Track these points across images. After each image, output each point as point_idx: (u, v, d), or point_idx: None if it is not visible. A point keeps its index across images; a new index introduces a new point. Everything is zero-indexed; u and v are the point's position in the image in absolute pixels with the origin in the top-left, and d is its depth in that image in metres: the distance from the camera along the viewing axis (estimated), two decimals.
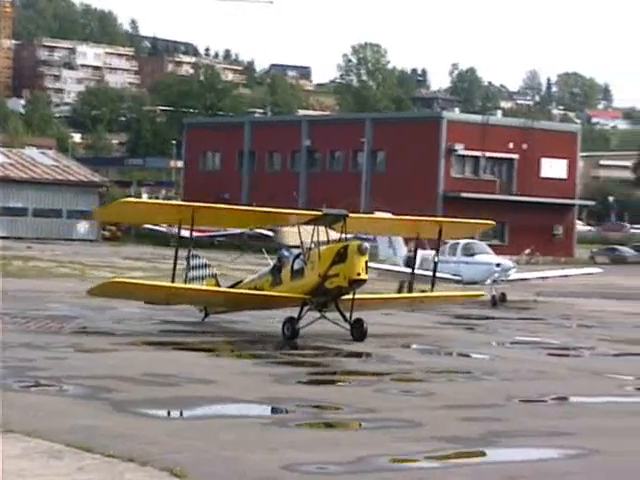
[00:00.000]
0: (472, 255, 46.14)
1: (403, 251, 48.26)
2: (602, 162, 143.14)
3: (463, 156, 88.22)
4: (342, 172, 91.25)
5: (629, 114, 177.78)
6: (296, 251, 28.96)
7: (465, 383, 23.75)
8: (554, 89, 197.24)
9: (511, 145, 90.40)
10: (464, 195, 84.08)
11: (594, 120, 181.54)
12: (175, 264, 28.32)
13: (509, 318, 40.39)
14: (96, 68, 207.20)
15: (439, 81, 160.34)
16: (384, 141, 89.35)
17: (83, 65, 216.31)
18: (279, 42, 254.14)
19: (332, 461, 14.16)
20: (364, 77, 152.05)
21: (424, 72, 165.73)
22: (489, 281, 44.58)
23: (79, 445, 13.64)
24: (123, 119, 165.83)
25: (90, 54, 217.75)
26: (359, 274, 26.24)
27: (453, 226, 33.95)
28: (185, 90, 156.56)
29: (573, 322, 39.95)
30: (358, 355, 26.80)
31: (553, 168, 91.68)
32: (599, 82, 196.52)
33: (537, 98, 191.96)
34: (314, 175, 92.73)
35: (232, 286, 30.46)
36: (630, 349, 30.79)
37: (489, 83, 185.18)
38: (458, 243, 46.26)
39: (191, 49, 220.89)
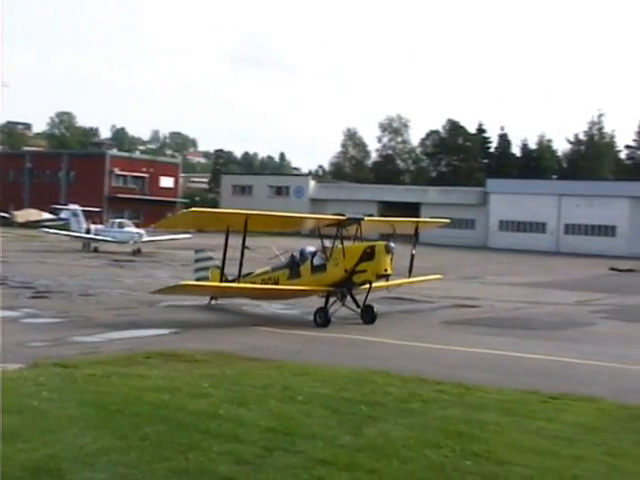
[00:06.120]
0: (123, 227, 49.87)
1: (84, 226, 51.51)
2: (192, 179, 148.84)
3: (118, 175, 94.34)
4: (50, 182, 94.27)
5: (206, 154, 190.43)
6: (312, 248, 21.49)
7: (121, 295, 24.51)
8: (168, 140, 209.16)
9: (144, 169, 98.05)
10: (119, 196, 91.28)
11: (188, 157, 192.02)
12: (224, 264, 20.28)
13: (142, 261, 41.57)
14: None
15: (105, 134, 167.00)
16: (75, 166, 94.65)
17: None
18: (13, 107, 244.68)
19: (43, 339, 15.49)
20: (63, 130, 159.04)
21: (97, 129, 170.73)
22: (132, 242, 48.01)
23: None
24: None
25: None
26: (386, 270, 20.14)
27: (424, 224, 27.56)
28: None
29: (176, 263, 40.12)
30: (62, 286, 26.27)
31: (166, 182, 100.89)
32: (190, 137, 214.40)
33: (158, 144, 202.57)
34: (34, 184, 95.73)
35: (243, 276, 21.07)
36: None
37: (133, 137, 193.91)
38: (115, 221, 51.28)
39: None
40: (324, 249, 20.79)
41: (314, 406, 9.77)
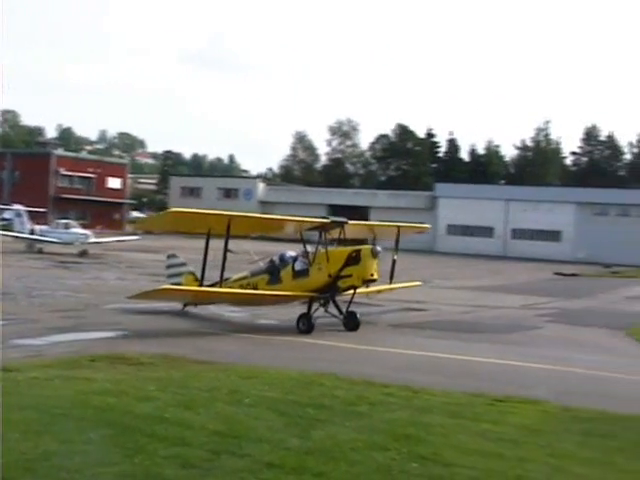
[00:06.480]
0: (69, 228, 49.21)
1: (28, 226, 50.65)
2: (140, 180, 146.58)
3: (64, 175, 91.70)
4: None
5: (155, 155, 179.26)
6: (292, 253, 20.59)
7: (66, 297, 23.85)
8: (116, 140, 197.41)
9: (91, 169, 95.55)
10: (65, 196, 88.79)
11: (136, 158, 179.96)
12: (204, 269, 19.43)
13: (89, 263, 40.87)
14: None
15: (51, 133, 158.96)
16: (19, 166, 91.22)
17: None
18: None
19: None
20: (7, 129, 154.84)
21: (42, 128, 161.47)
22: (78, 243, 47.51)
23: None
24: None
25: None
26: (372, 275, 19.46)
27: (405, 228, 25.19)
28: None
29: (123, 265, 40.33)
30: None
31: (114, 183, 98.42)
32: (139, 137, 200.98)
33: (106, 145, 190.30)
34: None
35: (221, 281, 19.65)
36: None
37: (80, 136, 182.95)
38: (60, 222, 51.07)
39: None
40: (306, 253, 19.96)
41: (261, 409, 9.77)
